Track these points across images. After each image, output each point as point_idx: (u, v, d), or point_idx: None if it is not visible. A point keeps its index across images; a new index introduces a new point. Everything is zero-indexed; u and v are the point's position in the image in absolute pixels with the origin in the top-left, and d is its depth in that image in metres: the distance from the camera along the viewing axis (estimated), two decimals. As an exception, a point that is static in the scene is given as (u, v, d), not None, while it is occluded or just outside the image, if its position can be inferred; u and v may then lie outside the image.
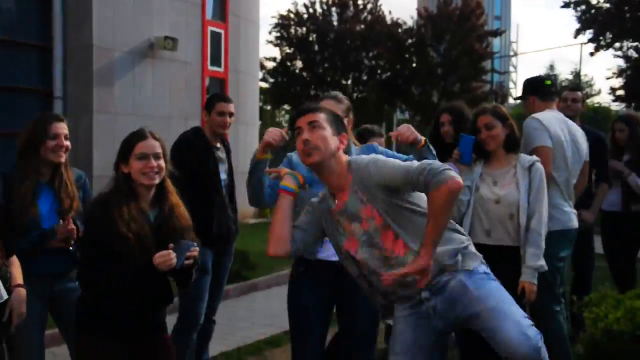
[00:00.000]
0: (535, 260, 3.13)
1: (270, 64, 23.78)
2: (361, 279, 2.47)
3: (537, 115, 3.76)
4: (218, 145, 3.88)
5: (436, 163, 2.26)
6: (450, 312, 2.34)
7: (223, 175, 3.86)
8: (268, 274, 6.71)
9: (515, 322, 2.21)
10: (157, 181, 2.53)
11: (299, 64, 23.94)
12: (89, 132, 9.11)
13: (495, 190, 3.24)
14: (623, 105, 22.29)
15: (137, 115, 9.94)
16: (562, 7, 17.60)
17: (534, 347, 2.17)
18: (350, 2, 23.34)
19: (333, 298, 2.97)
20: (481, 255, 2.44)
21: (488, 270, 2.39)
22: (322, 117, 2.43)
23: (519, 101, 4.49)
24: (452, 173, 2.20)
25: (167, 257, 2.38)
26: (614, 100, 19.45)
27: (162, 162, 2.54)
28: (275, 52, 36.91)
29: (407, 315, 2.39)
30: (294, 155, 2.99)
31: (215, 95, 4.29)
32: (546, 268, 3.21)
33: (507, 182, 3.25)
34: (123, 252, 2.41)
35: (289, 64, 23.89)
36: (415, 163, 2.30)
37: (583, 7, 17.13)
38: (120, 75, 9.84)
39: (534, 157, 3.34)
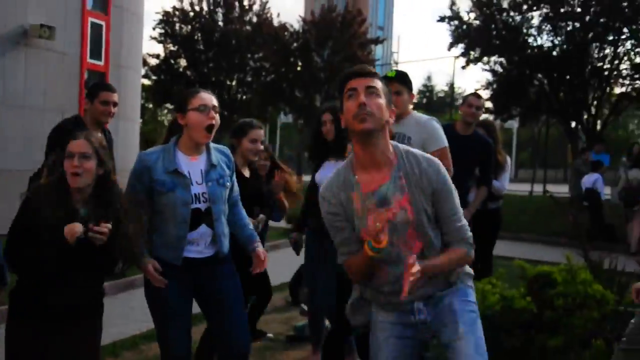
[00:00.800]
0: None
1: (153, 61, 23.23)
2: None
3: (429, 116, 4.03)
4: (98, 134, 3.86)
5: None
6: (436, 327, 2.32)
7: None
8: (147, 270, 6.58)
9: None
10: (79, 184, 2.54)
11: (183, 62, 23.56)
12: (-49, 121, 8.49)
13: None
14: (492, 117, 24.04)
15: (6, 105, 9.39)
16: (438, 21, 18.65)
17: None
18: (236, 3, 23.29)
19: (192, 291, 2.96)
20: (472, 273, 2.49)
21: (475, 300, 2.43)
22: (379, 84, 2.24)
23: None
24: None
25: (72, 227, 2.44)
26: (483, 113, 20.87)
27: (88, 164, 2.55)
28: (159, 49, 35.96)
29: (393, 322, 2.33)
30: (146, 156, 2.90)
31: (99, 83, 4.25)
32: None
33: None
34: (40, 241, 2.46)
35: (172, 61, 23.44)
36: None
37: (456, 22, 18.30)
38: (-12, 62, 9.26)
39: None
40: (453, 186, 2.29)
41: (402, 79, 3.91)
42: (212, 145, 2.99)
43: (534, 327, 3.63)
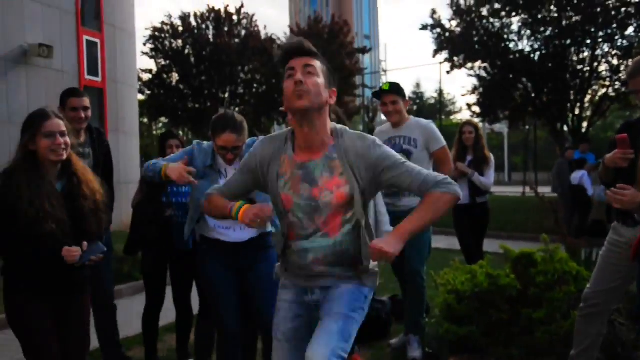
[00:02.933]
0: (387, 226, 3.80)
1: (146, 76, 23.54)
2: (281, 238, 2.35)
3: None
4: (81, 140, 3.91)
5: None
6: (321, 304, 2.36)
7: None
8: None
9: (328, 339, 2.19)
10: (64, 157, 2.78)
11: (175, 76, 23.88)
12: (-38, 139, 8.78)
13: None
14: (478, 120, 24.50)
15: (12, 123, 9.66)
16: (420, 29, 19.22)
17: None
18: (225, 17, 23.67)
19: (235, 270, 3.34)
20: (377, 273, 2.41)
21: (364, 301, 2.36)
22: (318, 64, 2.24)
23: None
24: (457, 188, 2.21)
25: (71, 254, 2.68)
26: (471, 116, 21.38)
27: (67, 139, 2.80)
28: (151, 64, 36.24)
29: (290, 301, 2.39)
30: (201, 145, 3.36)
31: (67, 90, 4.14)
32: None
33: None
34: (30, 221, 2.62)
35: (165, 76, 23.76)
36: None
37: (438, 30, 18.83)
38: (-8, 82, 9.59)
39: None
40: (394, 153, 2.25)
41: (396, 89, 4.32)
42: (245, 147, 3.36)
43: (519, 302, 4.03)
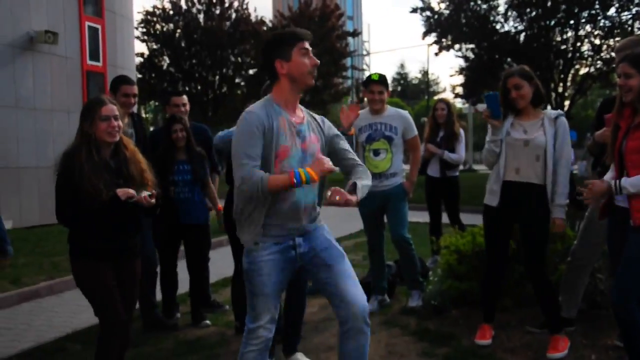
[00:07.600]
0: (563, 199, 3.69)
1: (137, 59, 23.68)
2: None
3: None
4: (125, 120, 4.23)
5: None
6: (310, 256, 2.74)
7: None
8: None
9: (357, 284, 2.71)
10: (117, 138, 3.14)
11: (166, 59, 24.09)
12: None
13: (525, 136, 3.73)
14: (462, 101, 25.00)
15: (18, 107, 10.03)
16: (411, 12, 19.66)
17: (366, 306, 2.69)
18: (217, 0, 23.86)
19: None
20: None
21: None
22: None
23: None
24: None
25: (125, 191, 3.05)
26: (454, 97, 21.84)
27: (120, 122, 3.16)
28: (142, 48, 36.21)
29: (274, 259, 2.67)
30: None
31: (120, 77, 4.48)
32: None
33: (536, 130, 3.72)
34: (91, 193, 2.98)
35: (155, 60, 23.96)
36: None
37: (428, 12, 19.31)
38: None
39: (559, 111, 3.83)
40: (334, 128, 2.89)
41: (384, 81, 4.80)
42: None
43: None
